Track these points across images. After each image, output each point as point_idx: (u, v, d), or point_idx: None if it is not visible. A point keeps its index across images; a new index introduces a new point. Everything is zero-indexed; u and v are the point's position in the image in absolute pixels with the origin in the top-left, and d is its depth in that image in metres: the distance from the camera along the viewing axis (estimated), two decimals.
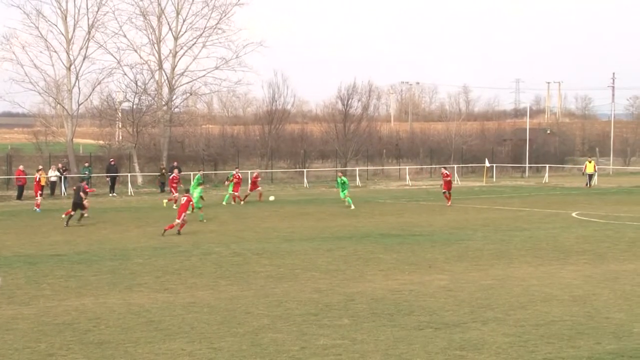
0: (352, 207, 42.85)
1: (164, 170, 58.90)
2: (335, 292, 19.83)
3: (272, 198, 41.99)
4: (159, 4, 66.40)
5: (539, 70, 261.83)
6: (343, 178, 44.80)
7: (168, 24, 66.93)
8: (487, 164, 70.27)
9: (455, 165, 73.75)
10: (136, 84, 66.18)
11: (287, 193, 57.60)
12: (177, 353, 14.39)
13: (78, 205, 35.91)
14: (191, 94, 71.42)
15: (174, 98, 68.71)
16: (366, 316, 17.12)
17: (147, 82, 66.62)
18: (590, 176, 62.08)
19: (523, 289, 20.04)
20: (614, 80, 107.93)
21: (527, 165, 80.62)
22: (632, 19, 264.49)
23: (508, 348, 14.46)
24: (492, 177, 72.40)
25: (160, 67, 67.08)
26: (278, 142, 77.92)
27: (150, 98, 67.48)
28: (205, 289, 20.45)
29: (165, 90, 67.80)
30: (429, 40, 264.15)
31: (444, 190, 45.36)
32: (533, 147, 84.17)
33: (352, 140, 78.72)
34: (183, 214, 32.43)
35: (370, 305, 18.22)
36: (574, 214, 39.28)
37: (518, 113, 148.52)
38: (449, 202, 44.50)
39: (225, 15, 67.02)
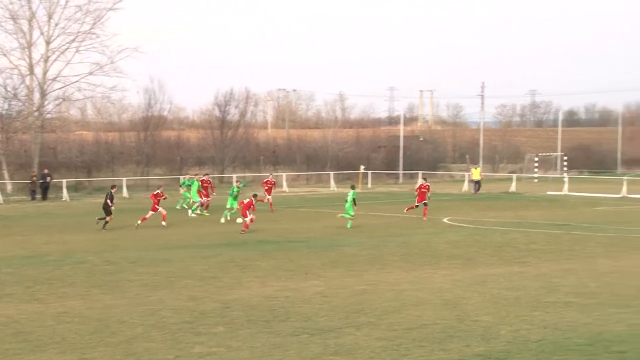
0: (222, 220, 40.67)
1: (34, 178, 57.44)
2: (211, 299, 19.79)
3: (237, 220, 36.97)
4: (30, 8, 64.66)
5: (412, 79, 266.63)
6: (234, 187, 42.30)
7: (39, 28, 65.24)
8: (362, 170, 71.21)
9: (332, 172, 74.43)
10: (5, 89, 64.37)
11: (163, 200, 56.90)
12: None
13: (105, 210, 36.75)
14: (64, 100, 69.77)
15: (45, 104, 66.98)
16: (242, 323, 17.15)
17: (17, 87, 64.84)
18: (477, 182, 63.42)
19: (396, 293, 20.44)
20: (483, 89, 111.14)
21: (401, 171, 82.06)
22: (501, 31, 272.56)
23: (381, 352, 14.74)
24: (367, 183, 73.37)
25: (31, 72, 65.32)
26: (154, 149, 76.99)
27: (21, 103, 65.67)
28: (77, 298, 20.08)
29: (37, 95, 66.02)
30: (305, 48, 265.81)
31: (417, 204, 41.16)
32: (407, 154, 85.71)
33: (229, 147, 78.56)
34: (247, 212, 34.81)
35: (246, 312, 18.27)
36: (445, 220, 40.23)
37: (392, 120, 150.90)
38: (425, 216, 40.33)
39: (99, 20, 65.72)
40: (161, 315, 17.93)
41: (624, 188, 58.58)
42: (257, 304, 19.16)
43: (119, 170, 71.33)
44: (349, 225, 36.34)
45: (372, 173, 75.67)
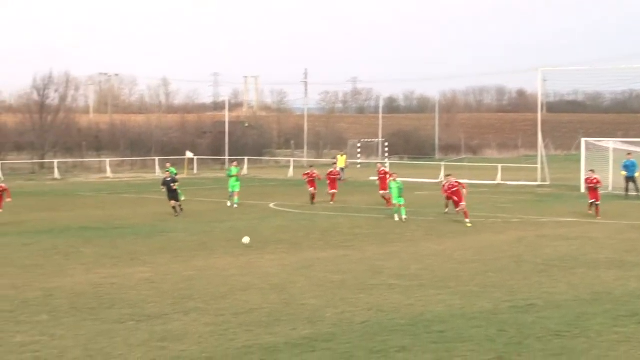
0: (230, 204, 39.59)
1: None
2: (33, 287, 19.23)
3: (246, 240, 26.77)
4: None
5: (237, 65, 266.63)
6: (234, 169, 41.06)
7: None
8: (188, 155, 70.74)
9: (157, 158, 73.54)
10: None
11: None
12: None
13: None
14: None
15: None
16: (66, 311, 16.77)
17: None
18: (342, 170, 62.07)
19: (223, 278, 20.49)
20: (306, 75, 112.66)
21: (227, 157, 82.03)
22: (323, 17, 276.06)
23: (209, 337, 14.76)
24: (193, 169, 73.02)
25: None
26: None
27: None
28: None
29: None
30: (127, 31, 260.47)
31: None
32: (232, 140, 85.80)
33: (49, 131, 76.32)
34: None
35: (70, 300, 17.86)
36: (271, 205, 40.55)
37: (217, 106, 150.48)
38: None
39: None
40: None
41: (442, 173, 60.79)
42: (82, 292, 18.77)
43: None
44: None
45: (198, 159, 75.33)
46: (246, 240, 25.44)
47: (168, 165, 45.06)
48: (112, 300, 17.89)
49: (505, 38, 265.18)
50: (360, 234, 29.63)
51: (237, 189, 40.05)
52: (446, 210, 35.85)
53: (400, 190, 34.14)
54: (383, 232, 30.37)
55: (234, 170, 40.91)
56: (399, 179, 34.95)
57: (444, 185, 34.89)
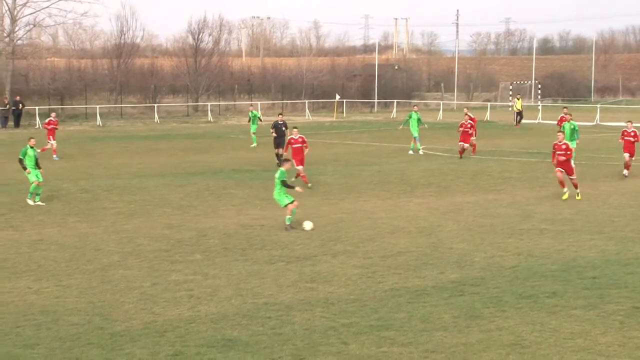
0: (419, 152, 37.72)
1: (7, 105, 57.02)
2: (187, 227, 19.81)
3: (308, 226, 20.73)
4: None
5: (387, 7, 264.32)
6: (415, 113, 38.56)
7: None
8: (337, 98, 71.00)
9: (307, 101, 74.14)
10: None
11: (138, 129, 56.81)
12: (23, 291, 14.11)
13: None
14: (35, 26, 68.74)
15: (16, 30, 65.91)
16: (218, 251, 17.21)
17: None
18: (519, 113, 59.40)
19: (371, 221, 20.54)
20: (458, 17, 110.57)
21: (376, 100, 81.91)
22: None
23: (357, 279, 14.85)
24: (343, 112, 73.26)
25: None
26: (127, 77, 76.28)
27: None
28: (53, 226, 20.05)
29: (7, 21, 64.94)
30: None
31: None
32: (382, 83, 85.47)
33: (203, 75, 77.94)
34: None
35: (222, 240, 18.31)
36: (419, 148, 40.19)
37: (367, 49, 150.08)
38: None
39: None
40: (137, 243, 17.96)
41: (597, 116, 58.89)
42: (233, 232, 19.21)
43: (92, 98, 70.76)
44: None
45: (347, 102, 75.50)
46: (308, 225, 19.80)
47: (251, 108, 45.02)
48: (262, 241, 18.23)
49: None
50: (511, 178, 29.10)
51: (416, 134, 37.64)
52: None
53: (574, 133, 31.70)
54: (534, 176, 29.72)
55: (415, 115, 38.41)
56: (574, 121, 32.12)
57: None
